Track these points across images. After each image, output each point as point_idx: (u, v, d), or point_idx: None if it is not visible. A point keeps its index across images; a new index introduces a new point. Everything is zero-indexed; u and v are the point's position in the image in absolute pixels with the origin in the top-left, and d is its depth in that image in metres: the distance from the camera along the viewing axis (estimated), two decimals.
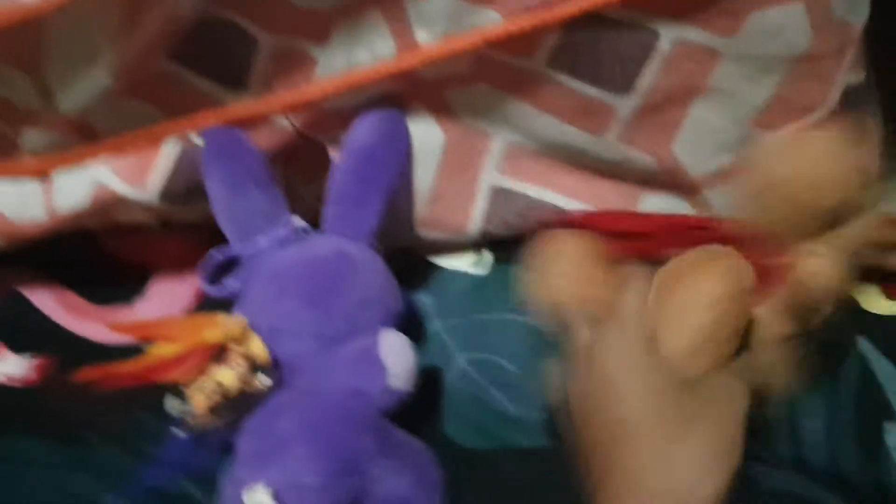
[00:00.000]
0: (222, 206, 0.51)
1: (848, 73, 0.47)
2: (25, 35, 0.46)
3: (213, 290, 0.51)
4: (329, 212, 0.51)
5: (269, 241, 0.49)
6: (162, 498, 0.50)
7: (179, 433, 0.49)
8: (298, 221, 0.52)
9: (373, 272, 0.49)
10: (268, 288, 0.48)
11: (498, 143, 0.54)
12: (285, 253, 0.48)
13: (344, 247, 0.49)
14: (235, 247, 0.51)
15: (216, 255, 0.51)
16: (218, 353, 0.51)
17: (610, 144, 0.51)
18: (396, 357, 0.45)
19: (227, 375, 0.46)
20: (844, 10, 0.45)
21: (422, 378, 0.47)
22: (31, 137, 0.53)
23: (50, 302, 0.63)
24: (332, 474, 0.43)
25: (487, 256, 0.58)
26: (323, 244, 0.49)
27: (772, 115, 0.48)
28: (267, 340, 0.46)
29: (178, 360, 0.57)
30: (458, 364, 0.54)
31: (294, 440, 0.44)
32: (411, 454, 0.47)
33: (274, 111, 0.51)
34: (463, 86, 0.51)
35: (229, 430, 0.48)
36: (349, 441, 0.44)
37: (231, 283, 0.51)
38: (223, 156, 0.50)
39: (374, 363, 0.45)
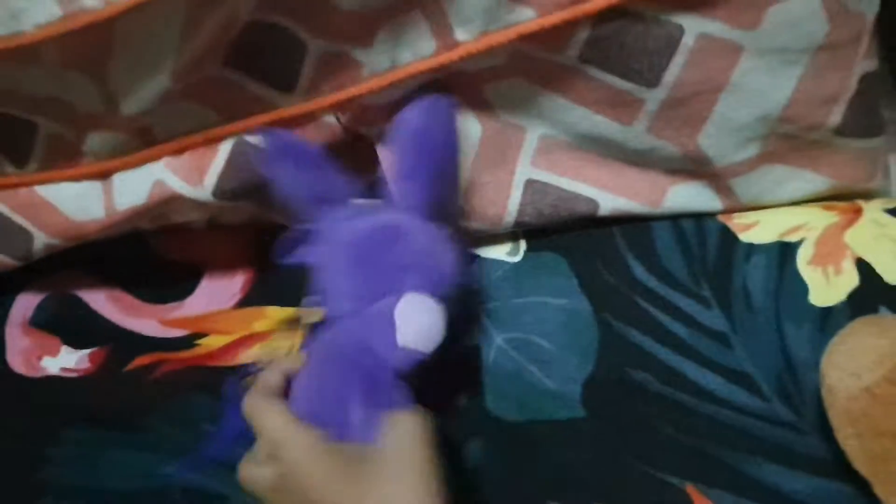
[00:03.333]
0: (288, 196, 0.53)
1: (864, 61, 0.49)
2: (93, 41, 0.48)
3: (285, 260, 0.54)
4: (387, 188, 0.54)
5: (331, 219, 0.52)
6: (219, 467, 0.53)
7: None
8: (362, 202, 0.54)
9: (419, 241, 0.50)
10: (322, 256, 0.51)
11: (532, 136, 0.57)
12: (342, 226, 0.51)
13: (393, 218, 0.51)
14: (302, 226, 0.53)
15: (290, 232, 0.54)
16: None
17: (638, 134, 0.53)
18: (410, 317, 0.46)
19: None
20: (857, 1, 0.47)
21: (461, 356, 0.49)
22: (93, 140, 0.56)
23: (104, 301, 0.67)
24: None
25: (522, 244, 0.60)
26: (375, 216, 0.51)
27: (795, 108, 0.50)
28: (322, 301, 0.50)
29: (229, 350, 0.60)
30: (497, 343, 0.56)
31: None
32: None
33: (322, 110, 0.54)
34: (500, 80, 0.54)
35: None
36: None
37: (299, 255, 0.54)
38: (284, 153, 0.53)
39: (386, 321, 0.47)
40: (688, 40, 0.49)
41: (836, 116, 0.51)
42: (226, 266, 0.65)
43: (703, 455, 0.48)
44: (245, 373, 0.54)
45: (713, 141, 0.52)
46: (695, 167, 0.55)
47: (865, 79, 0.50)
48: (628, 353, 0.54)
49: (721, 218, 0.57)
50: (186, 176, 0.56)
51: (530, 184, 0.58)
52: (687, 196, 0.56)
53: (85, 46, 0.49)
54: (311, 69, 0.53)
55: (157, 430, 0.56)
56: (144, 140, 0.56)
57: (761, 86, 0.50)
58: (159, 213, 0.60)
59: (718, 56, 0.49)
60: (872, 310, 0.50)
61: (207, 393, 0.57)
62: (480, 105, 0.55)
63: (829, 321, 0.51)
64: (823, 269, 0.53)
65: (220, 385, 0.57)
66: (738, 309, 0.53)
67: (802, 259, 0.53)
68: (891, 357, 0.40)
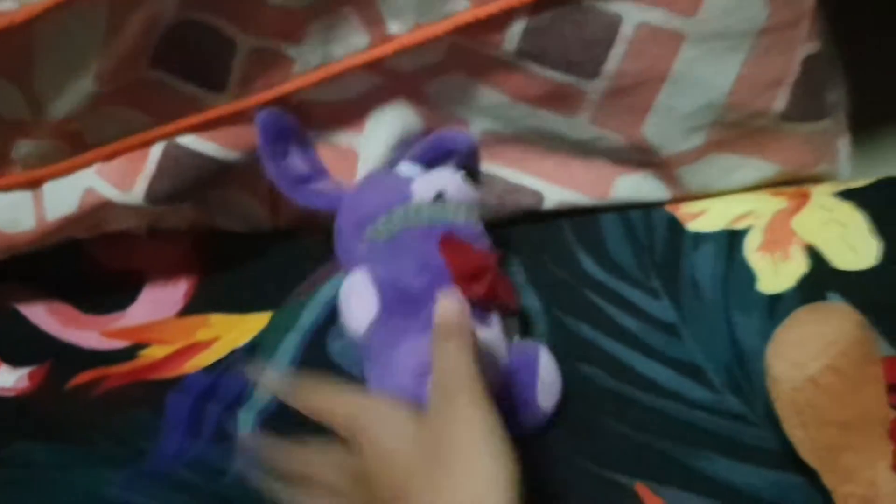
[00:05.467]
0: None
1: (805, 43, 0.49)
2: (14, 46, 0.47)
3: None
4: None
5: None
6: (162, 484, 0.51)
7: None
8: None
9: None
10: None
11: (474, 130, 0.55)
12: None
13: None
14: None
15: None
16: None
17: (582, 125, 0.53)
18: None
19: None
20: None
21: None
22: (22, 148, 0.54)
23: (43, 314, 0.64)
24: None
25: None
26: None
27: (739, 94, 0.49)
28: None
29: (172, 360, 0.59)
30: None
31: None
32: None
33: (254, 108, 0.52)
34: (439, 76, 0.53)
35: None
36: None
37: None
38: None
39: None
40: (627, 29, 0.48)
41: (780, 101, 0.50)
42: (168, 273, 0.64)
43: (654, 451, 0.47)
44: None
45: (658, 130, 0.52)
46: (641, 157, 0.54)
47: (808, 61, 0.49)
48: (578, 347, 0.53)
49: (669, 208, 0.56)
50: (117, 181, 0.54)
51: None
52: (634, 186, 0.56)
53: (4, 51, 0.48)
54: (241, 67, 0.51)
55: (100, 448, 0.54)
56: (74, 146, 0.55)
57: (704, 74, 0.49)
58: (94, 222, 0.58)
59: (659, 44, 0.48)
60: (821, 295, 0.50)
61: (150, 408, 0.55)
62: (421, 101, 0.54)
63: (777, 309, 0.50)
64: (771, 256, 0.52)
65: (162, 399, 0.55)
66: (687, 299, 0.52)
67: (750, 247, 0.53)
68: (834, 345, 0.39)
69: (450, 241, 0.47)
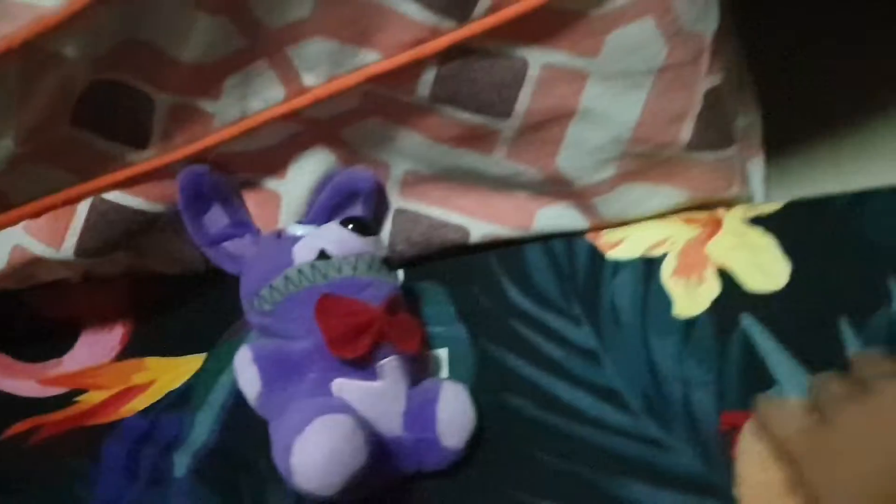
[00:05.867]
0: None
1: (707, 77, 0.51)
2: None
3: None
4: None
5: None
6: None
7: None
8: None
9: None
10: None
11: (396, 171, 0.57)
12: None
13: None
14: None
15: None
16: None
17: (499, 162, 0.54)
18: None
19: None
20: (693, 21, 0.48)
21: None
22: None
23: None
24: None
25: (400, 274, 0.61)
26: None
27: (644, 128, 0.51)
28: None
29: (109, 405, 0.59)
30: None
31: None
32: None
33: (177, 163, 0.53)
34: (356, 122, 0.54)
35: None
36: None
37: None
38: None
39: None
40: (533, 71, 0.49)
41: (685, 133, 0.52)
42: (104, 319, 0.64)
43: (577, 479, 0.48)
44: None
45: (571, 163, 0.53)
46: (558, 189, 0.56)
47: (710, 94, 0.51)
48: (506, 378, 0.54)
49: (589, 237, 0.58)
50: (46, 238, 0.55)
51: (399, 213, 0.58)
52: (554, 217, 0.57)
53: None
54: (161, 123, 0.52)
55: (36, 499, 0.55)
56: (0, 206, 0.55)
57: (610, 109, 0.50)
58: (26, 275, 0.58)
59: (565, 83, 0.50)
60: (734, 317, 0.52)
61: (87, 455, 0.56)
62: (341, 146, 0.55)
63: (692, 332, 0.52)
64: (686, 281, 0.54)
65: (99, 446, 0.56)
66: (607, 326, 0.54)
67: (666, 272, 0.55)
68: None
69: (325, 303, 0.48)
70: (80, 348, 0.64)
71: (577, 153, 0.53)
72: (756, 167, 0.59)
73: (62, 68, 0.47)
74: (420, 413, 0.48)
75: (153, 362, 0.61)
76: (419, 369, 0.52)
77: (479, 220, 0.58)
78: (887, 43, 0.63)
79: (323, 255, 0.50)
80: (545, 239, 0.58)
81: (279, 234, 0.54)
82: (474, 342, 0.56)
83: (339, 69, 0.49)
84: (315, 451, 0.42)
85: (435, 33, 0.47)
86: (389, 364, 0.48)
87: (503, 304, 0.57)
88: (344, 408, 0.45)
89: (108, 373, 0.62)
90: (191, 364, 0.60)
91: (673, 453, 0.48)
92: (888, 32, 0.64)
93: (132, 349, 0.63)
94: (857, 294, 0.49)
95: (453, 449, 0.48)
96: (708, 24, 0.49)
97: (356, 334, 0.47)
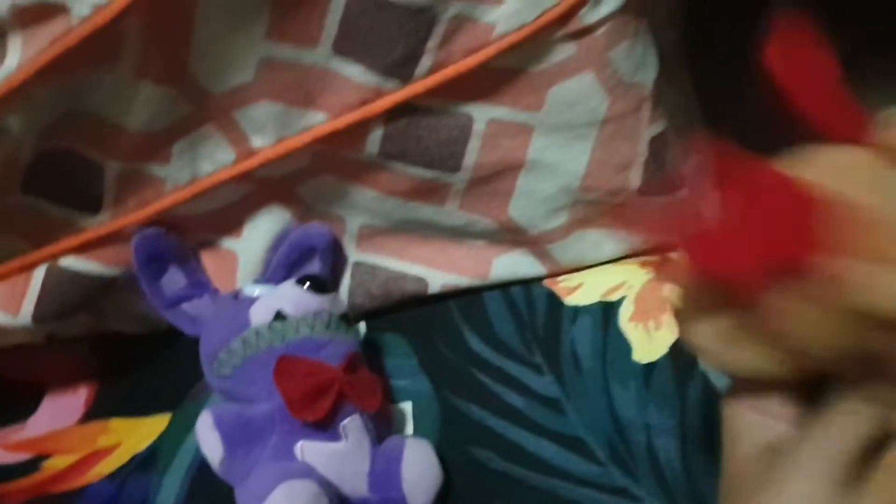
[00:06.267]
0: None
1: (650, 125, 0.51)
2: None
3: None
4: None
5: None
6: None
7: None
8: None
9: None
10: None
11: (351, 225, 0.57)
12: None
13: None
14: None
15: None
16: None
17: (452, 213, 0.54)
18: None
19: None
20: (632, 73, 0.49)
21: None
22: None
23: None
24: None
25: (361, 327, 0.60)
26: None
27: (592, 177, 0.52)
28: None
29: (75, 469, 0.59)
30: None
31: None
32: None
33: (131, 226, 0.53)
34: (308, 179, 0.54)
35: None
36: None
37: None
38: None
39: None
40: (479, 126, 0.50)
41: (634, 180, 0.52)
42: (67, 381, 0.64)
43: None
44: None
45: (523, 212, 0.54)
46: (513, 237, 0.56)
47: (655, 141, 0.52)
48: (470, 430, 0.54)
49: (548, 283, 0.58)
50: (3, 305, 0.54)
51: (357, 266, 0.58)
52: (511, 265, 0.57)
53: None
54: (113, 189, 0.52)
55: None
56: None
57: (556, 160, 0.51)
58: None
59: (510, 137, 0.50)
60: (692, 360, 0.52)
61: None
62: (295, 203, 0.56)
63: (652, 377, 0.52)
64: (644, 325, 0.54)
65: None
66: (568, 373, 0.54)
67: (624, 317, 0.55)
68: None
69: (283, 365, 0.47)
70: (44, 411, 0.63)
71: (528, 203, 0.53)
72: None
73: (6, 141, 0.47)
74: (385, 473, 0.48)
75: (118, 423, 0.61)
76: (383, 425, 0.52)
77: (437, 269, 0.58)
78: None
79: (280, 315, 0.50)
80: (504, 286, 0.59)
81: (236, 295, 0.54)
82: (438, 394, 0.56)
83: (286, 131, 0.49)
84: None
85: (379, 94, 0.48)
86: (352, 423, 0.48)
87: (465, 353, 0.57)
88: (307, 472, 0.45)
89: (72, 436, 0.61)
90: (155, 424, 0.60)
91: (642, 502, 0.48)
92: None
93: (97, 410, 0.62)
94: None
95: None
96: (647, 74, 0.50)
97: (316, 395, 0.47)
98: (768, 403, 0.34)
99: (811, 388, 0.33)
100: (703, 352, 0.34)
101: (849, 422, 0.32)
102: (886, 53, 0.58)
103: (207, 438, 0.47)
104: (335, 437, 0.48)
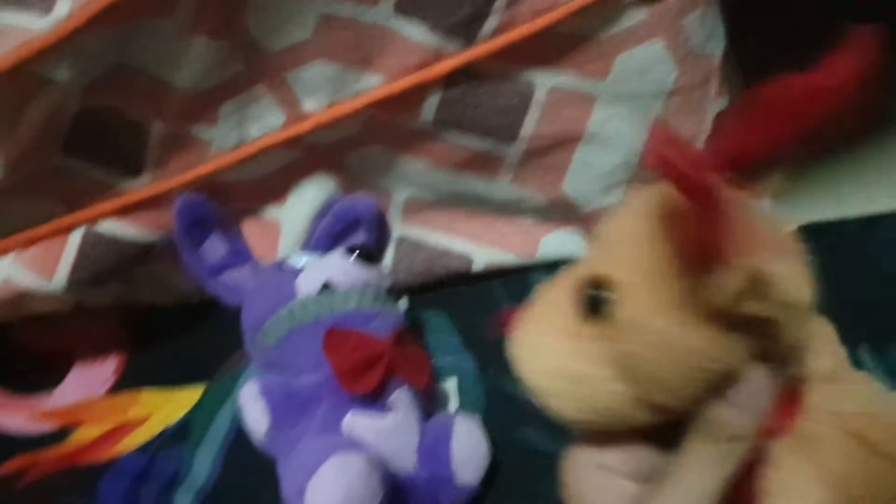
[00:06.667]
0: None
1: (716, 100, 0.49)
2: None
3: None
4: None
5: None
6: None
7: None
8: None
9: None
10: None
11: (398, 198, 0.55)
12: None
13: None
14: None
15: None
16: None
17: (504, 187, 0.53)
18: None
19: None
20: (702, 43, 0.47)
21: None
22: None
23: None
24: None
25: (403, 303, 0.59)
26: None
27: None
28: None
29: (103, 441, 0.57)
30: None
31: None
32: None
33: (172, 191, 0.51)
34: (357, 148, 0.53)
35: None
36: None
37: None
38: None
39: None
40: (540, 94, 0.48)
41: None
42: (96, 351, 0.62)
43: None
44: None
45: (578, 188, 0.52)
46: (564, 214, 0.54)
47: (720, 117, 0.50)
48: (515, 410, 0.52)
49: None
50: (37, 270, 0.53)
51: (401, 241, 0.57)
52: (559, 244, 0.56)
53: None
54: (156, 151, 0.50)
55: None
56: None
57: (617, 133, 0.49)
58: (15, 308, 0.56)
59: (572, 107, 0.49)
60: None
61: (82, 495, 0.54)
62: (342, 172, 0.54)
63: None
64: None
65: (95, 485, 0.54)
66: None
67: None
68: None
69: (333, 336, 0.46)
70: (71, 381, 0.62)
71: (583, 178, 0.51)
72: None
73: (53, 94, 0.45)
74: (434, 448, 0.47)
75: (148, 395, 0.59)
76: (429, 402, 0.50)
77: (483, 247, 0.56)
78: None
79: (327, 286, 0.49)
80: (550, 266, 0.57)
81: (281, 266, 0.53)
82: (482, 373, 0.55)
83: (340, 94, 0.48)
84: (330, 492, 0.40)
85: (439, 56, 0.46)
86: (401, 397, 0.47)
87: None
88: (357, 446, 0.43)
89: (101, 407, 0.60)
90: (187, 397, 0.58)
91: None
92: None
93: (126, 382, 0.61)
94: (876, 321, 0.48)
95: (468, 486, 0.47)
96: (716, 46, 0.48)
97: (366, 368, 0.45)
98: (616, 460, 0.32)
99: (659, 442, 0.31)
100: (548, 393, 0.32)
101: (706, 467, 0.30)
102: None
103: (252, 409, 0.45)
104: (383, 410, 0.46)
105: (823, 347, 0.33)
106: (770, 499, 0.30)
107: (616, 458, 0.32)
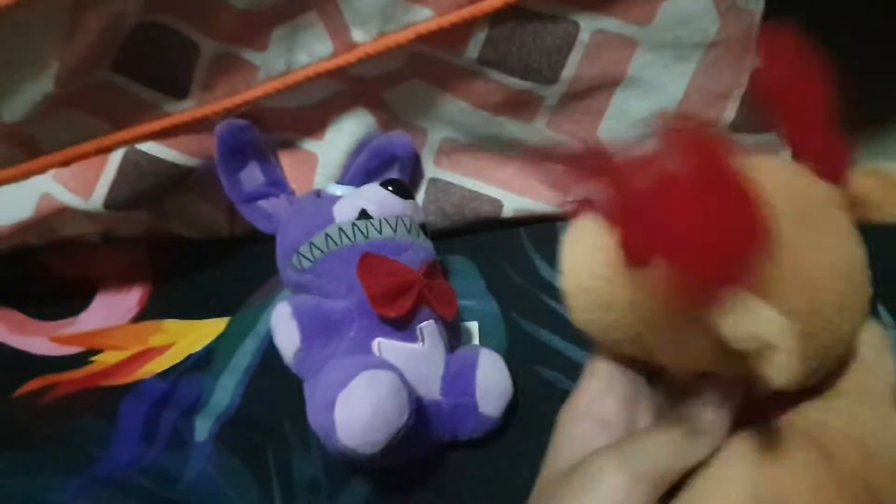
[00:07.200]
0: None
1: (754, 57, 0.51)
2: None
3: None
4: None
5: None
6: (115, 491, 0.50)
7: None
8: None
9: None
10: None
11: (433, 139, 0.56)
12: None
13: None
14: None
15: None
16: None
17: (539, 131, 0.54)
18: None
19: None
20: None
21: None
22: None
23: None
24: None
25: None
26: None
27: (689, 102, 0.51)
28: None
29: (125, 366, 0.58)
30: None
31: None
32: None
33: (216, 115, 0.52)
34: (398, 83, 0.53)
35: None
36: None
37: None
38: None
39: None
40: (584, 36, 0.49)
41: (729, 112, 0.52)
42: (121, 280, 0.63)
43: None
44: None
45: (612, 134, 0.53)
46: None
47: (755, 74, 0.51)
48: (537, 351, 0.53)
49: None
50: (75, 187, 0.53)
51: (433, 182, 0.58)
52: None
53: None
54: (204, 73, 0.51)
55: (49, 456, 0.53)
56: (28, 151, 0.54)
57: (656, 80, 0.50)
58: (48, 227, 0.57)
59: (614, 50, 0.50)
60: None
61: (102, 415, 0.54)
62: (381, 108, 0.55)
63: None
64: None
65: (115, 406, 0.54)
66: None
67: None
68: None
69: (367, 261, 0.47)
70: (95, 308, 0.62)
71: (620, 124, 0.52)
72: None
73: (113, 3, 0.46)
74: (459, 378, 0.48)
75: (172, 325, 0.60)
76: (454, 336, 0.51)
77: (513, 192, 0.57)
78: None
79: (363, 214, 0.50)
80: None
81: (318, 193, 0.54)
82: (505, 315, 0.55)
83: (389, 25, 0.48)
84: (360, 405, 0.41)
85: None
86: (428, 327, 0.48)
87: (534, 279, 0.57)
88: (387, 365, 0.44)
89: (124, 334, 0.60)
90: (212, 327, 0.59)
91: None
92: None
93: (150, 311, 0.61)
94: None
95: (490, 416, 0.48)
96: (758, 1, 0.49)
97: (398, 294, 0.46)
98: (611, 411, 0.37)
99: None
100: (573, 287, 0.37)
101: (664, 452, 0.33)
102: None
103: (284, 328, 0.46)
104: (412, 338, 0.47)
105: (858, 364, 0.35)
106: (700, 475, 0.33)
107: (611, 409, 0.38)
